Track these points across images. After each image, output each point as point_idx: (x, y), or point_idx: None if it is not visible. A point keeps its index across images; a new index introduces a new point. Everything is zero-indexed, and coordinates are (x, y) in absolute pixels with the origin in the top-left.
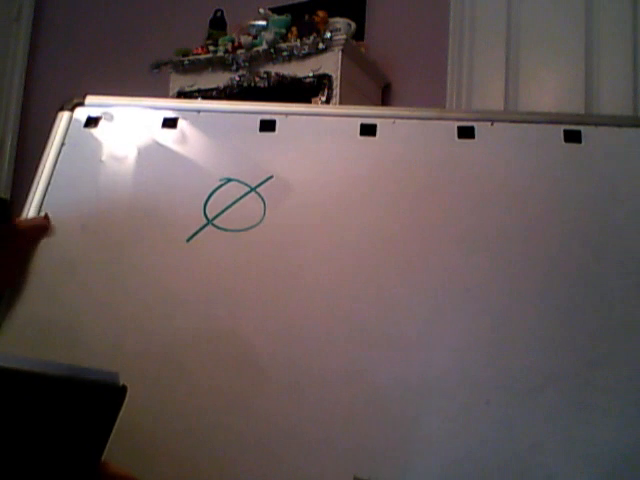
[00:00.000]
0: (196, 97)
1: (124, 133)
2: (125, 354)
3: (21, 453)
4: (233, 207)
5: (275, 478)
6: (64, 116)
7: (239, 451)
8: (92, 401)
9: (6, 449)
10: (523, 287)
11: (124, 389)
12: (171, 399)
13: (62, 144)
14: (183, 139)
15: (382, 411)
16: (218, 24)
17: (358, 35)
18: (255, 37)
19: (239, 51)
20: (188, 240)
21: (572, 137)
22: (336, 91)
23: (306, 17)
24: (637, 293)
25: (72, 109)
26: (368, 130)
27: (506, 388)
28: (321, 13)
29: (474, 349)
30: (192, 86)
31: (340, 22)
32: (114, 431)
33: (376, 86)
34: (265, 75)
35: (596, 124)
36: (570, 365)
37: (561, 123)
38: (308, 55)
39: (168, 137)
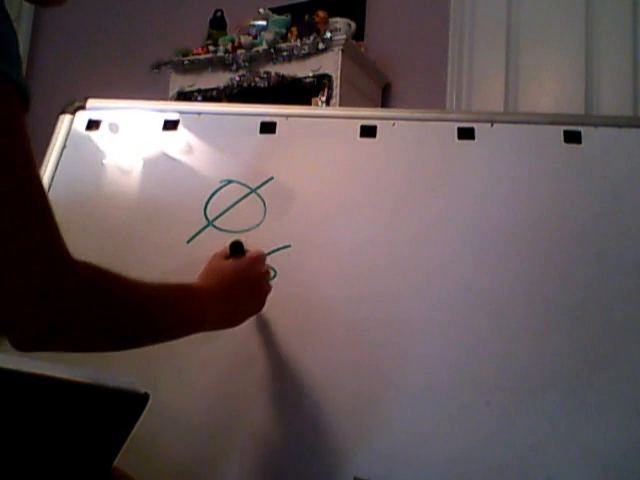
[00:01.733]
0: (196, 97)
1: (125, 136)
2: (124, 356)
3: (43, 454)
4: (233, 208)
5: (276, 478)
6: (65, 119)
7: (240, 452)
8: (115, 407)
9: (29, 450)
10: (524, 288)
11: (146, 397)
12: (170, 401)
13: (63, 147)
14: (184, 141)
15: (382, 411)
16: (218, 24)
17: (358, 35)
18: (255, 37)
19: (239, 51)
20: (188, 241)
21: (572, 138)
22: (336, 91)
23: (306, 17)
24: (637, 293)
25: (73, 112)
26: (368, 132)
27: (506, 389)
28: (321, 13)
29: (474, 350)
30: (192, 86)
31: (340, 22)
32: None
33: (376, 86)
34: (265, 75)
35: (596, 125)
36: (570, 366)
37: (561, 124)
38: (308, 55)
39: (169, 139)
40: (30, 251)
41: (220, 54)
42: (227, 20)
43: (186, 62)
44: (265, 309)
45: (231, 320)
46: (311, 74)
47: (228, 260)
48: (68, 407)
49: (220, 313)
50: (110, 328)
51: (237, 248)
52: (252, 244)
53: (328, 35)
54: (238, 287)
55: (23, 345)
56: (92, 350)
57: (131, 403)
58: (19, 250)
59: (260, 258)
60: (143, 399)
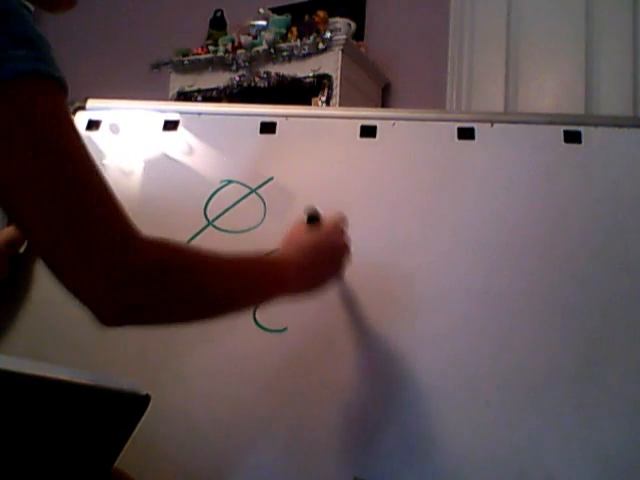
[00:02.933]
0: (196, 97)
1: (125, 136)
2: (123, 356)
3: (43, 455)
4: (233, 208)
5: (276, 478)
6: None
7: (240, 452)
8: (116, 409)
9: (29, 451)
10: (523, 287)
11: (147, 398)
12: (169, 402)
13: None
14: (184, 141)
15: (382, 412)
16: (218, 24)
17: (358, 35)
18: (255, 37)
19: (239, 51)
20: (188, 241)
21: (572, 138)
22: (336, 91)
23: (306, 17)
24: (637, 293)
25: (73, 112)
26: (368, 132)
27: (506, 388)
28: (321, 13)
29: (474, 349)
30: (192, 86)
31: (340, 22)
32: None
33: (376, 86)
34: (265, 75)
35: (596, 124)
36: (570, 365)
37: (561, 124)
38: (308, 55)
39: (169, 140)
40: (94, 230)
41: (220, 54)
42: (227, 20)
43: (186, 62)
44: (265, 309)
45: (312, 287)
46: (311, 74)
47: (307, 229)
48: (69, 409)
49: (301, 282)
50: (182, 303)
51: (314, 217)
52: (252, 244)
53: (328, 35)
54: (318, 255)
55: (103, 322)
56: (170, 323)
57: (132, 404)
58: (83, 230)
59: (338, 223)
60: (144, 400)
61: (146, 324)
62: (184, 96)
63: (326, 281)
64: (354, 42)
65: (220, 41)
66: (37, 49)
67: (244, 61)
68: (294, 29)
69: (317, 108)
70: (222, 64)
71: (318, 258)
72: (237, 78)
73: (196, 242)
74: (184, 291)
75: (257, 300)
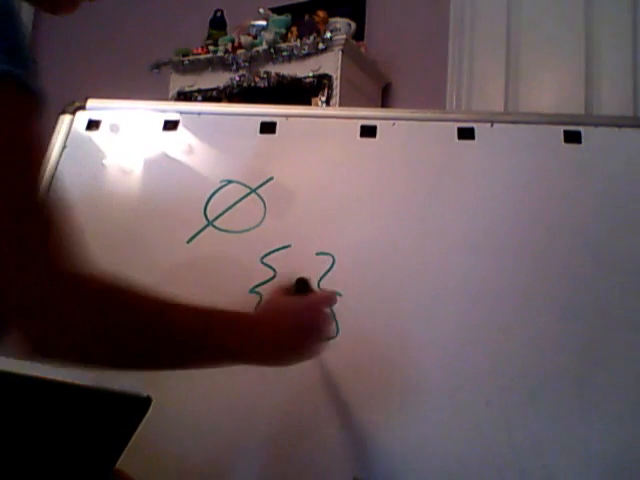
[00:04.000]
0: (196, 97)
1: (125, 136)
2: None
3: (44, 457)
4: (233, 208)
5: (276, 478)
6: (65, 119)
7: (240, 453)
8: (117, 410)
9: (30, 453)
10: (523, 288)
11: (149, 400)
12: (172, 402)
13: (63, 147)
14: (184, 141)
15: (381, 412)
16: (218, 24)
17: (358, 35)
18: (255, 37)
19: (239, 51)
20: (189, 241)
21: (572, 138)
22: (336, 91)
23: (306, 17)
24: (637, 293)
25: (73, 112)
26: (368, 132)
27: (506, 389)
28: (321, 13)
29: (474, 350)
30: (192, 86)
31: (340, 22)
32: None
33: (376, 86)
34: (265, 75)
35: (596, 124)
36: (570, 366)
37: (561, 124)
38: (308, 55)
39: (169, 140)
40: (19, 259)
41: (220, 54)
42: (227, 20)
43: (186, 62)
44: None
45: (278, 358)
46: (311, 74)
47: (290, 296)
48: (70, 410)
49: (266, 348)
50: (108, 347)
51: (302, 286)
52: (252, 244)
53: (328, 35)
54: (293, 325)
55: (25, 353)
56: (87, 365)
57: (133, 406)
58: (6, 258)
59: (325, 301)
60: (145, 402)
61: (60, 361)
62: (184, 96)
63: (295, 356)
64: (354, 42)
65: (220, 41)
66: (20, 57)
67: (244, 61)
68: (294, 29)
69: (317, 108)
70: (222, 64)
71: (291, 328)
72: (237, 78)
73: (196, 242)
74: (105, 333)
75: (204, 359)
